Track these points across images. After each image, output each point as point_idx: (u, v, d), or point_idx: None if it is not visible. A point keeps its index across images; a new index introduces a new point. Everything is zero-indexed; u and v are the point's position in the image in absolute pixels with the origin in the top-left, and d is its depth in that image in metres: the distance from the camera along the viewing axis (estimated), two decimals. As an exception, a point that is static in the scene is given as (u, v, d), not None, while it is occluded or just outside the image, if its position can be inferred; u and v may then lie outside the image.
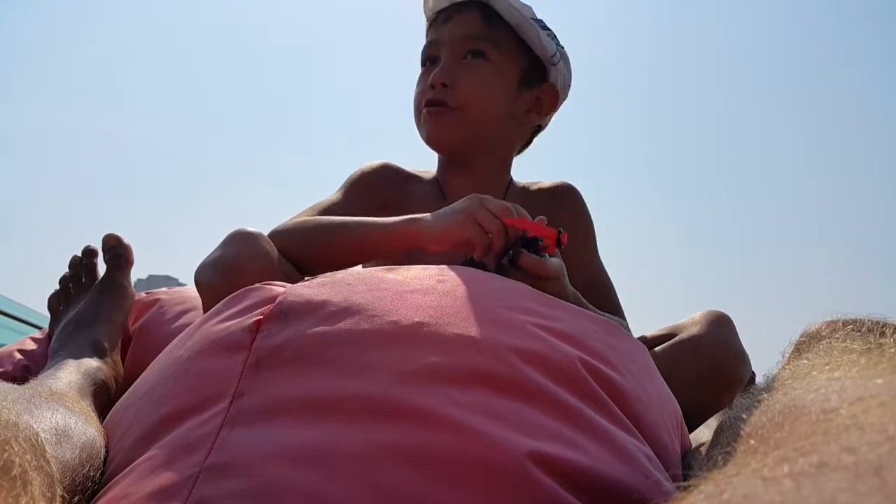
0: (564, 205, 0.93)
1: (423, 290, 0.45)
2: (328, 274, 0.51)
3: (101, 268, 0.91)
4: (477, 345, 0.39)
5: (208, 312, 0.49)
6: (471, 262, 0.64)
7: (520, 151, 0.97)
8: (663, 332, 0.82)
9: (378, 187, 0.90)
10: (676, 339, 0.78)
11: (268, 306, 0.44)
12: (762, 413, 0.26)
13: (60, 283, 0.90)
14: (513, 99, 0.89)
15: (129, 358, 0.87)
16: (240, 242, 0.71)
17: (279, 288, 0.47)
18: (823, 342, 0.33)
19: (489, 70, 0.86)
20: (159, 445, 0.38)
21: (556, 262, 0.66)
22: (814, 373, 0.29)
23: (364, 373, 0.38)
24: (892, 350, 0.29)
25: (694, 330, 0.78)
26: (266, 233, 0.77)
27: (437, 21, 0.89)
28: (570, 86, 0.96)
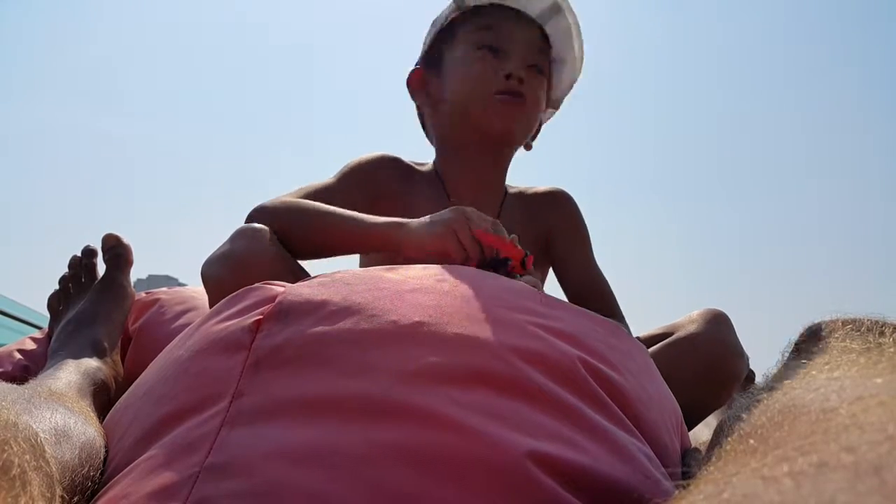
0: (558, 209, 0.95)
1: (422, 290, 0.45)
2: (327, 273, 0.51)
3: (101, 268, 0.91)
4: (477, 344, 0.39)
5: (208, 312, 0.49)
6: None
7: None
8: (661, 330, 0.83)
9: (372, 179, 0.89)
10: (674, 337, 0.78)
11: (267, 306, 0.44)
12: (762, 413, 0.26)
13: (60, 282, 0.90)
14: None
15: (129, 358, 0.87)
16: (247, 238, 0.71)
17: (279, 287, 0.47)
18: (823, 342, 0.33)
19: (542, 87, 0.91)
20: (159, 445, 0.38)
21: (528, 279, 0.66)
22: (813, 372, 0.29)
23: (364, 372, 0.38)
24: (892, 349, 0.29)
25: (691, 328, 0.78)
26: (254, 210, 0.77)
27: (502, 12, 0.89)
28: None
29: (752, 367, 1.23)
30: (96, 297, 0.86)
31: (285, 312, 0.43)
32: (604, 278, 0.94)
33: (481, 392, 0.37)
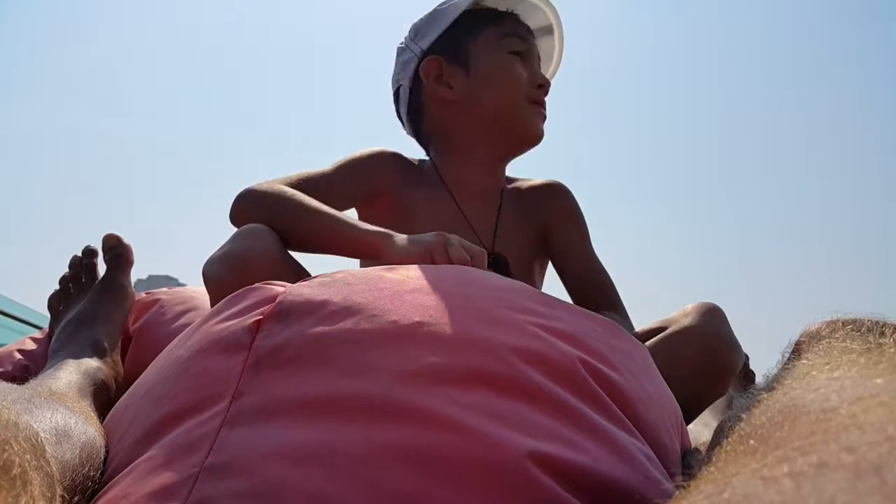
0: (555, 202, 0.95)
1: (422, 290, 0.45)
2: (328, 273, 0.51)
3: (102, 268, 0.91)
4: (477, 344, 0.39)
5: (208, 312, 0.49)
6: None
7: None
8: (655, 325, 0.83)
9: (372, 173, 0.89)
10: (669, 331, 0.78)
11: (268, 306, 0.44)
12: (762, 413, 0.26)
13: (60, 283, 0.90)
14: None
15: (129, 358, 0.87)
16: (249, 237, 0.71)
17: (279, 287, 0.47)
18: (823, 342, 0.33)
19: None
20: (159, 445, 0.38)
21: None
22: (813, 372, 0.29)
23: (364, 372, 0.38)
24: (892, 350, 0.29)
25: (686, 321, 0.78)
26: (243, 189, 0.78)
27: (517, 21, 0.93)
28: None
29: (752, 367, 1.23)
30: (97, 298, 0.86)
31: (285, 312, 0.43)
32: (603, 270, 0.94)
33: (481, 392, 0.37)
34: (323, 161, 0.88)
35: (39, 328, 1.39)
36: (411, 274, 0.49)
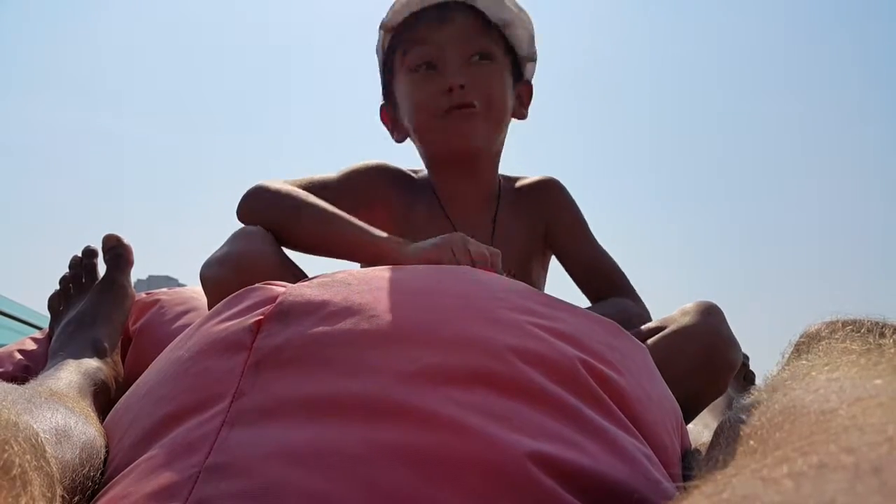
0: (550, 200, 0.95)
1: (423, 291, 0.46)
2: (328, 273, 0.51)
3: (102, 268, 0.91)
4: (477, 345, 0.40)
5: (209, 313, 0.49)
6: None
7: None
8: (654, 324, 0.83)
9: (372, 186, 0.90)
10: (668, 330, 0.78)
11: (268, 306, 0.44)
12: (762, 414, 0.26)
13: (60, 283, 0.90)
14: (510, 97, 0.90)
15: (129, 358, 0.87)
16: (247, 239, 0.72)
17: (279, 288, 0.47)
18: (823, 343, 0.33)
19: (497, 70, 0.87)
20: (159, 445, 0.38)
21: None
22: (813, 373, 0.29)
23: (364, 373, 0.38)
24: (892, 351, 0.29)
25: (685, 320, 0.78)
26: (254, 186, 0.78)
27: (423, 22, 0.86)
28: None
29: (752, 367, 1.23)
30: (97, 298, 0.86)
31: (286, 313, 0.43)
32: (609, 259, 0.94)
33: (481, 392, 0.37)
34: (323, 162, 0.89)
35: (39, 328, 1.40)
36: (411, 275, 0.49)
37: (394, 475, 0.33)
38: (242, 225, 0.77)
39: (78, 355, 0.74)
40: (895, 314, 0.34)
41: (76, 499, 0.37)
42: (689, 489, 0.22)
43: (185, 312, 0.92)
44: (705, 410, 0.91)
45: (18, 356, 0.85)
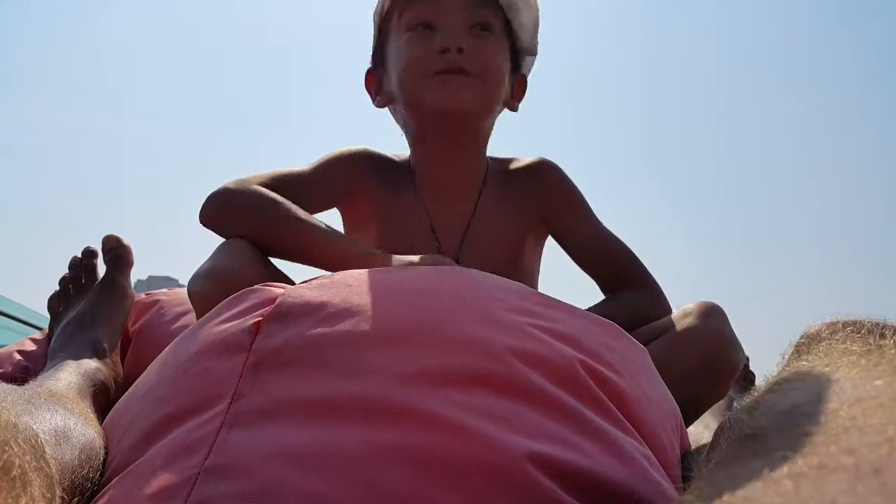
0: (546, 186, 0.89)
1: (422, 292, 0.46)
2: (327, 275, 0.51)
3: (102, 269, 0.91)
4: (476, 346, 0.39)
5: (208, 314, 0.49)
6: None
7: None
8: (656, 326, 0.82)
9: (352, 174, 0.86)
10: (670, 332, 0.78)
11: (267, 308, 0.44)
12: (762, 415, 0.26)
13: (60, 283, 0.90)
14: (507, 78, 0.86)
15: (129, 359, 0.87)
16: (231, 252, 0.71)
17: (278, 289, 0.47)
18: (823, 344, 0.33)
19: (497, 43, 0.83)
20: (158, 447, 0.38)
21: None
22: (813, 374, 0.29)
23: (363, 374, 0.38)
24: (892, 352, 0.29)
25: (687, 322, 0.78)
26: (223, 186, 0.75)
27: None
28: None
29: (752, 368, 1.23)
30: (96, 299, 0.86)
31: (285, 314, 0.43)
32: (620, 245, 0.89)
33: (480, 393, 0.37)
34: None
35: (39, 329, 1.39)
36: (410, 275, 0.49)
37: (393, 476, 0.32)
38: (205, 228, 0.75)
39: (77, 356, 0.74)
40: (895, 315, 0.34)
41: (75, 500, 0.37)
42: (688, 490, 0.22)
43: (185, 313, 0.92)
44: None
45: (18, 357, 0.85)
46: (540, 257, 0.94)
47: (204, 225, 0.76)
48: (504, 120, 0.90)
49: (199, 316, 0.67)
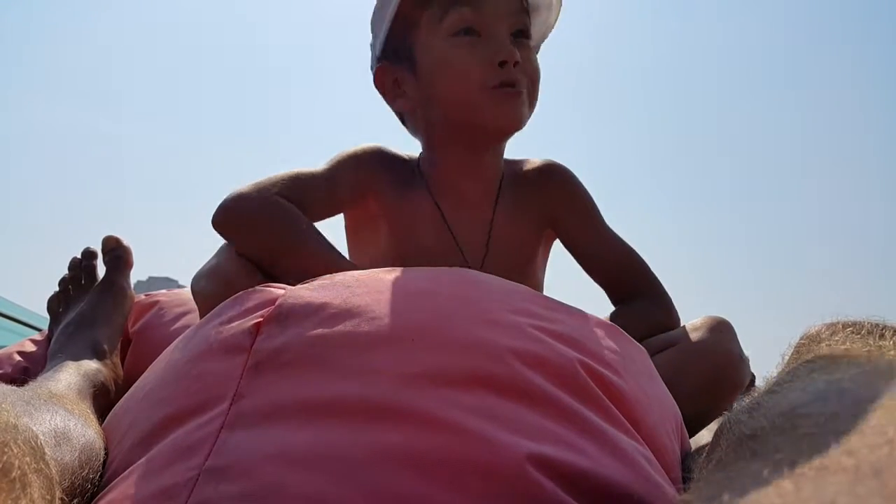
0: (553, 186, 0.87)
1: (422, 293, 0.45)
2: (327, 276, 0.51)
3: (101, 270, 0.91)
4: (476, 347, 0.39)
5: (208, 315, 0.49)
6: None
7: None
8: (663, 338, 0.81)
9: (365, 176, 0.82)
10: (678, 346, 0.77)
11: (267, 308, 0.44)
12: (762, 416, 0.26)
13: (60, 284, 0.90)
14: None
15: (129, 360, 0.87)
16: (234, 252, 0.71)
17: (279, 290, 0.47)
18: (823, 345, 0.33)
19: (533, 52, 0.80)
20: (158, 448, 0.38)
21: None
22: (813, 375, 0.29)
23: (363, 375, 0.38)
24: (892, 352, 0.29)
25: (695, 337, 0.77)
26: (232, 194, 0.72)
27: None
28: None
29: (752, 369, 1.22)
30: (96, 299, 0.86)
31: (285, 315, 0.43)
32: (628, 249, 0.87)
33: (481, 395, 0.37)
34: (323, 161, 0.85)
35: (39, 330, 1.39)
36: (411, 276, 0.49)
37: (393, 477, 0.32)
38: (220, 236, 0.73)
39: (77, 357, 0.74)
40: (895, 316, 0.34)
41: (75, 501, 0.37)
42: (688, 491, 0.22)
43: (185, 314, 0.92)
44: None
45: (18, 358, 0.85)
46: (546, 260, 0.92)
47: (215, 229, 0.74)
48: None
49: (202, 315, 0.67)
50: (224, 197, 0.73)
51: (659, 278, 0.87)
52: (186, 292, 0.99)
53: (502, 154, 0.86)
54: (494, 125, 0.78)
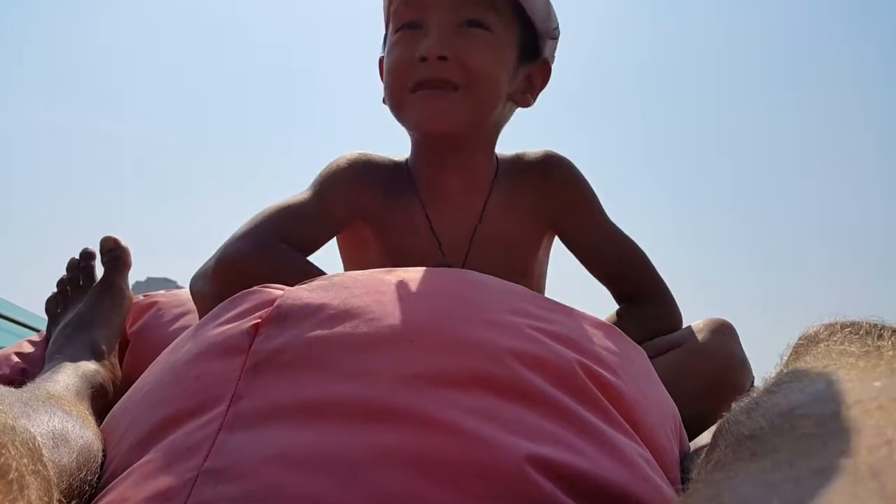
0: (552, 180, 0.82)
1: (421, 293, 0.45)
2: (326, 276, 0.51)
3: (100, 270, 0.91)
4: (475, 347, 0.39)
5: (206, 316, 0.49)
6: None
7: None
8: (665, 339, 0.81)
9: (353, 196, 0.77)
10: (680, 348, 0.77)
11: (266, 309, 0.44)
12: (760, 416, 0.26)
13: (58, 285, 0.90)
14: (511, 77, 0.76)
15: (127, 361, 0.87)
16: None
17: (277, 291, 0.47)
18: (821, 345, 0.33)
19: (492, 42, 0.72)
20: (157, 449, 0.38)
21: None
22: (812, 376, 0.29)
23: (362, 376, 0.38)
24: (890, 353, 0.29)
25: (698, 339, 0.77)
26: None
27: None
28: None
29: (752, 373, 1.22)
30: (94, 300, 0.86)
31: (284, 316, 0.43)
32: (631, 245, 0.84)
33: (480, 395, 0.37)
34: (324, 162, 0.82)
35: (37, 331, 1.39)
36: (410, 277, 0.49)
37: (392, 478, 0.32)
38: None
39: (75, 358, 0.74)
40: (894, 316, 0.34)
41: (73, 503, 0.37)
42: (687, 492, 0.22)
43: (183, 315, 0.92)
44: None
45: (15, 359, 0.85)
46: (548, 257, 0.89)
47: (213, 278, 0.69)
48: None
49: (200, 316, 0.67)
50: (221, 248, 0.70)
51: (663, 278, 0.86)
52: (185, 293, 0.99)
53: (489, 151, 0.81)
54: (418, 128, 0.75)
